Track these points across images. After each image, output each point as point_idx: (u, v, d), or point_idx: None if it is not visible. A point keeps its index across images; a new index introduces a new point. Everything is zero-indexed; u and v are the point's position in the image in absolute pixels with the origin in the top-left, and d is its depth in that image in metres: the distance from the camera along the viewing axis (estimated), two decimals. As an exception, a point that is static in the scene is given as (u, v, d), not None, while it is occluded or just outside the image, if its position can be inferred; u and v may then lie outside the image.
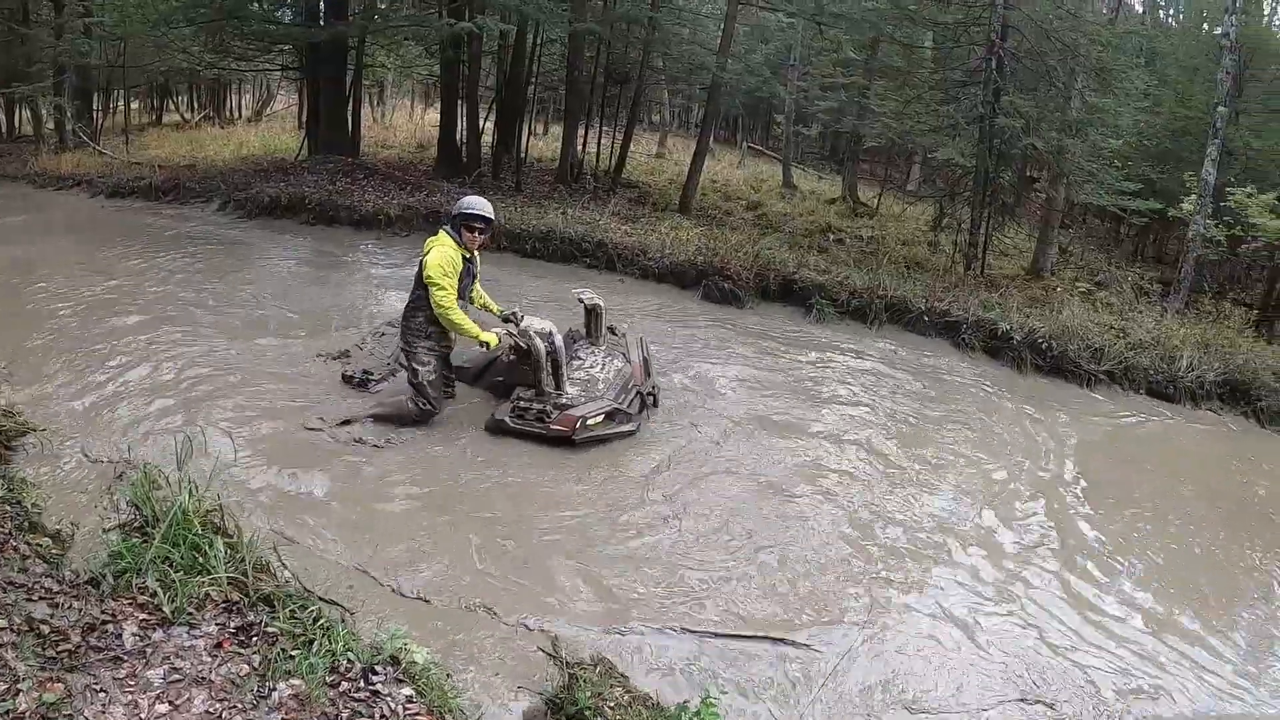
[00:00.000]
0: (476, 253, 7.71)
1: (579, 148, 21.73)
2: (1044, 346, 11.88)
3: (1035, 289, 16.99)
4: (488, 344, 7.54)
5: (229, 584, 4.52)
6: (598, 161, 22.07)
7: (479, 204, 7.51)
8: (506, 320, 7.87)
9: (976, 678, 5.24)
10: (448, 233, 7.49)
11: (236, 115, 35.82)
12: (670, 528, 6.41)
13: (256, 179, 17.99)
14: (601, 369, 8.40)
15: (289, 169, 19.35)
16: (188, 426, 6.96)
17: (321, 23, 20.06)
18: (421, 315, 7.50)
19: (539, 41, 21.85)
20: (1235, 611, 6.61)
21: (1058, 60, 16.64)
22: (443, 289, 7.25)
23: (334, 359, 8.89)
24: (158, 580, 4.39)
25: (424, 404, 7.54)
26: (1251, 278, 24.46)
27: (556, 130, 25.97)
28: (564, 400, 7.72)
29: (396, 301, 11.04)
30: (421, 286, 7.42)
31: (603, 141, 22.98)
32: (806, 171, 35.11)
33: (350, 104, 21.83)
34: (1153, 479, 8.92)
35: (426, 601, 5.22)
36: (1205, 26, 32.94)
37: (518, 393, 7.82)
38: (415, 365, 7.51)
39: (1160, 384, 11.66)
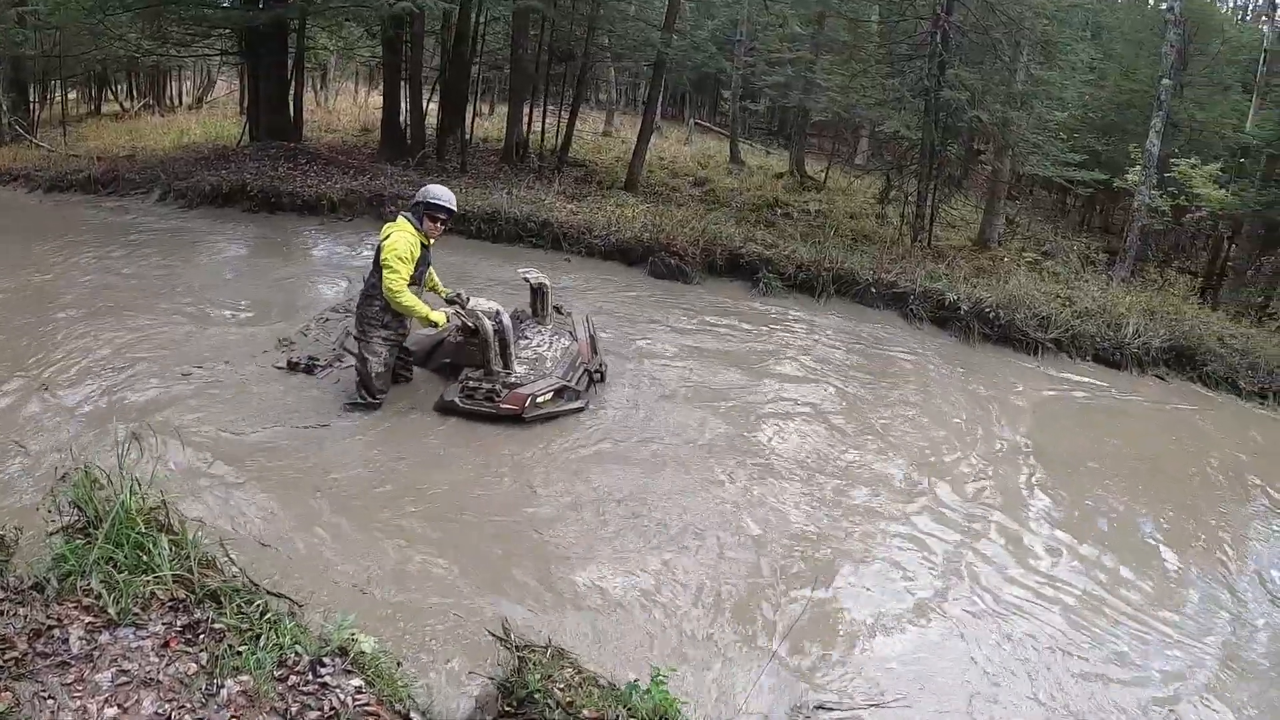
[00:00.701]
0: (433, 240, 7.64)
1: (524, 127, 21.60)
2: (991, 316, 12.01)
3: (982, 259, 17.17)
4: (435, 323, 7.52)
5: (174, 581, 4.44)
6: (542, 140, 21.90)
7: (445, 195, 7.49)
8: (451, 302, 7.85)
9: (939, 676, 5.19)
10: (408, 219, 7.42)
11: (177, 103, 35.10)
12: (617, 519, 6.35)
13: (197, 167, 17.60)
14: (549, 347, 8.41)
15: (230, 156, 18.94)
16: (131, 422, 6.84)
17: (260, 5, 19.72)
18: (378, 303, 7.40)
19: (483, 20, 21.65)
20: (1193, 581, 6.69)
21: (1003, 33, 16.75)
22: (396, 272, 7.17)
23: (277, 347, 8.77)
24: (102, 582, 4.31)
25: (366, 397, 7.51)
26: (1195, 246, 24.97)
27: (503, 110, 25.72)
28: (513, 379, 7.70)
29: (338, 288, 10.97)
30: (379, 272, 7.32)
31: (549, 120, 22.86)
32: (754, 147, 35.12)
33: (292, 88, 21.50)
34: (1101, 445, 9.07)
35: (375, 591, 5.16)
36: (1150, 1, 33.31)
37: (466, 373, 7.80)
38: (367, 355, 7.44)
39: (1107, 351, 11.84)
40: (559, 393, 7.75)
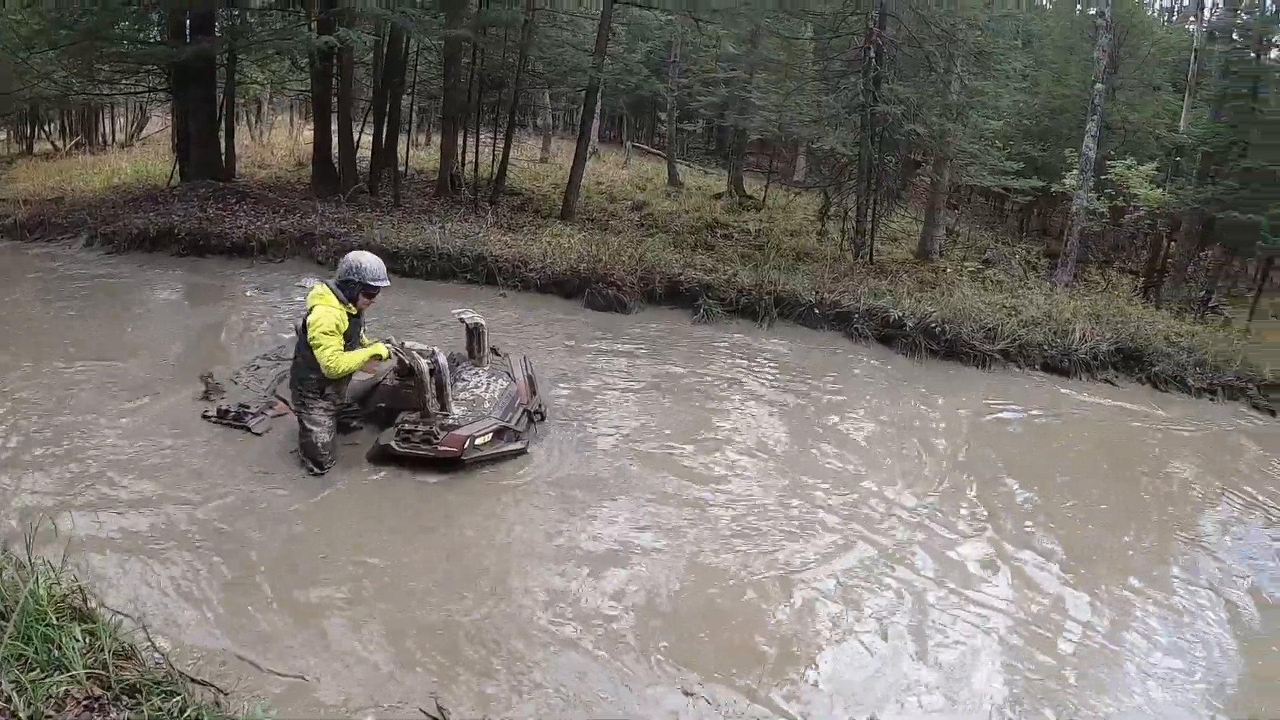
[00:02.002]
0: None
1: (459, 157, 21.34)
2: (937, 331, 12.01)
3: (925, 272, 17.20)
4: (379, 355, 7.40)
5: (89, 679, 4.13)
6: (476, 170, 21.60)
7: (380, 273, 7.36)
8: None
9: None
10: (331, 289, 7.22)
11: (110, 141, 34.54)
12: (560, 586, 6.02)
13: (126, 210, 17.08)
14: (486, 388, 8.20)
15: (160, 197, 18.43)
16: (46, 494, 6.53)
17: (186, 41, 19.29)
18: (314, 375, 7.19)
19: (413, 50, 21.39)
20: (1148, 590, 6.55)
21: (936, 46, 16.82)
22: (328, 347, 7.01)
23: (203, 397, 8.40)
24: (12, 682, 3.99)
25: (313, 468, 7.23)
26: (1135, 246, 25.37)
27: (440, 140, 25.53)
28: (450, 420, 7.50)
29: (269, 331, 10.66)
30: (309, 347, 7.10)
31: (485, 149, 22.57)
32: (693, 168, 35.26)
33: (223, 124, 21.05)
34: (1056, 458, 9.05)
35: (308, 672, 4.88)
36: (1079, 7, 33.87)
37: (402, 417, 7.57)
38: (310, 426, 7.22)
39: (1055, 358, 11.93)
40: (498, 434, 7.58)
